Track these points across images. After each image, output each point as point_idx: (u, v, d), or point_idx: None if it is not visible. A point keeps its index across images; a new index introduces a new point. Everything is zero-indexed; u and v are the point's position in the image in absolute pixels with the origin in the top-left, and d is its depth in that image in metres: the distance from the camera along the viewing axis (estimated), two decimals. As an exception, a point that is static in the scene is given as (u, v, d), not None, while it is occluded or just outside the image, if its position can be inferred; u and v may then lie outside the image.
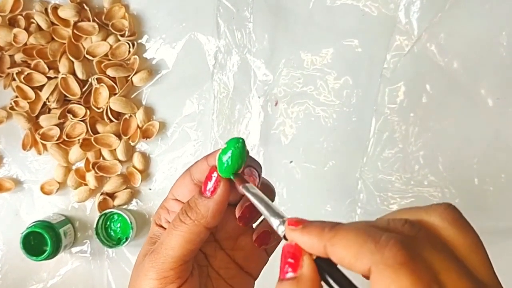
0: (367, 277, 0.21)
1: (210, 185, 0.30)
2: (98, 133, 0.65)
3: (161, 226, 0.33)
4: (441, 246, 0.22)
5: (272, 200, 0.33)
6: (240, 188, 0.29)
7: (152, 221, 0.34)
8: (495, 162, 0.64)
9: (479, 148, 0.64)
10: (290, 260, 0.23)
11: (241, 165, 0.30)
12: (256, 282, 0.36)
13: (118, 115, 0.65)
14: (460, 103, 0.64)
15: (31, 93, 0.64)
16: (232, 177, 0.30)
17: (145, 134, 0.65)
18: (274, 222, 0.26)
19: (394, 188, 0.64)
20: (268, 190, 0.34)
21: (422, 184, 0.64)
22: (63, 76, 0.63)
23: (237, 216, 0.33)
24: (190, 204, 0.30)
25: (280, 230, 0.26)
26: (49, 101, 0.64)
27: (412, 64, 0.64)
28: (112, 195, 0.66)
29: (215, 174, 0.30)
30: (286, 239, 0.25)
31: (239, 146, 0.30)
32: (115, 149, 0.65)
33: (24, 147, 0.65)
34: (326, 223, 0.24)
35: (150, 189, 0.66)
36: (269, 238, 0.33)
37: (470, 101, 0.64)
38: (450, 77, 0.64)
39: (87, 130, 0.64)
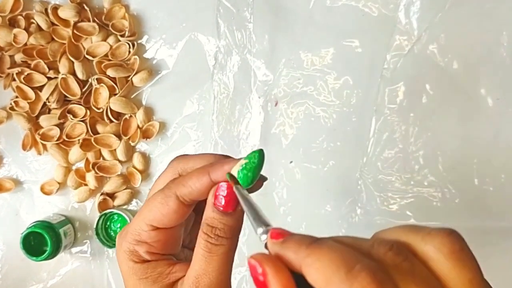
0: None
1: (230, 201, 0.29)
2: (98, 133, 0.65)
3: (147, 261, 0.31)
4: (427, 281, 0.20)
5: (260, 186, 0.32)
6: (234, 188, 0.29)
7: (126, 261, 0.31)
8: (495, 162, 0.64)
9: (479, 148, 0.64)
10: (257, 278, 0.22)
11: (257, 177, 0.31)
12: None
13: (118, 115, 0.65)
14: (460, 103, 0.64)
15: (31, 93, 0.64)
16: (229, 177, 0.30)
17: (145, 134, 0.65)
18: (258, 230, 0.26)
19: (394, 188, 0.64)
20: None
21: (422, 184, 0.64)
22: (63, 76, 0.63)
23: None
24: (215, 225, 0.29)
25: (263, 238, 0.25)
26: (49, 101, 0.64)
27: (412, 64, 0.64)
28: (112, 195, 0.66)
29: (232, 189, 0.29)
30: (267, 248, 0.24)
31: (261, 158, 0.30)
32: (115, 149, 0.65)
33: (24, 147, 0.65)
34: (305, 239, 0.22)
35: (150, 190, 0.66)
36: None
37: (470, 101, 0.64)
38: (450, 77, 0.64)
39: (87, 131, 0.64)
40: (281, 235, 0.23)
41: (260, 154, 0.30)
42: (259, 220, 0.26)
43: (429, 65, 0.64)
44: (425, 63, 0.64)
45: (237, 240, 0.30)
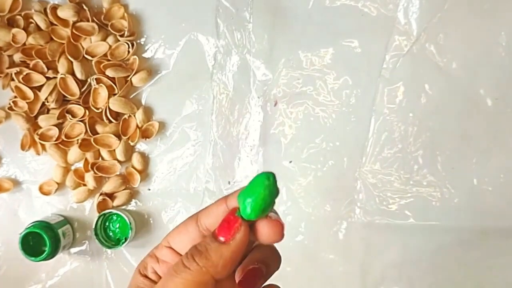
0: None
1: (227, 228, 0.26)
2: (98, 133, 0.65)
3: (146, 277, 0.29)
4: None
5: (276, 269, 0.29)
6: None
7: (135, 270, 0.30)
8: (494, 162, 0.64)
9: (478, 148, 0.64)
10: None
11: (270, 207, 0.26)
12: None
13: (117, 115, 0.65)
14: (459, 103, 0.64)
15: (29, 93, 0.64)
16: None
17: (145, 134, 0.65)
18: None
19: (393, 188, 0.64)
20: (274, 256, 0.29)
21: (421, 184, 0.64)
22: (62, 76, 0.63)
23: (236, 280, 0.28)
24: (198, 248, 0.26)
25: None
26: (48, 101, 0.64)
27: (411, 64, 0.64)
28: (111, 196, 0.66)
29: (236, 216, 0.26)
30: None
31: (269, 184, 0.25)
32: (114, 150, 0.65)
33: (22, 147, 0.65)
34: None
35: (149, 190, 0.66)
36: (255, 279, 0.28)
37: (469, 101, 0.64)
38: (449, 77, 0.64)
39: (86, 131, 0.64)
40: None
41: (268, 179, 0.25)
42: None
43: (428, 65, 0.64)
44: (424, 63, 0.64)
45: (209, 284, 0.25)
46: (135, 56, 0.64)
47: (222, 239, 0.26)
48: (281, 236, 0.26)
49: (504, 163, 0.64)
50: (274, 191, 0.26)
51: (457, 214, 0.64)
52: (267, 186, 0.25)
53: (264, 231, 0.26)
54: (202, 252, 0.26)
